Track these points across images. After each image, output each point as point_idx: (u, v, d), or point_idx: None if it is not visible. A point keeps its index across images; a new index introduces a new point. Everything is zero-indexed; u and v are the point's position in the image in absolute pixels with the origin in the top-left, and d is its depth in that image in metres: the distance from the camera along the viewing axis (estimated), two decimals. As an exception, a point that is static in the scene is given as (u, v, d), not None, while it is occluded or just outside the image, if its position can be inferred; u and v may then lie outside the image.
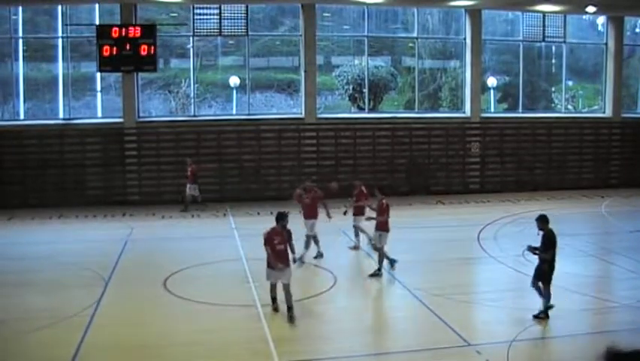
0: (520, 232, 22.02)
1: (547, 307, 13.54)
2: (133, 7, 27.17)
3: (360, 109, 30.78)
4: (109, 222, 24.09)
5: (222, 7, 27.78)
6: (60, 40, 28.12)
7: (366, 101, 30.40)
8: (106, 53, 26.29)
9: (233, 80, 29.43)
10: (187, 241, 20.93)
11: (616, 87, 31.93)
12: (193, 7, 27.64)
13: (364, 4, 28.25)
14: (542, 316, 13.57)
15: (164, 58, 29.96)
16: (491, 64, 32.47)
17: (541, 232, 13.78)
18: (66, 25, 27.56)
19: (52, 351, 12.31)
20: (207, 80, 30.36)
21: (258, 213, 24.53)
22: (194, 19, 27.87)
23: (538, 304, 14.67)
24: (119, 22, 26.89)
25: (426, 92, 31.92)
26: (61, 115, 28.28)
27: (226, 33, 28.33)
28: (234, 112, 29.76)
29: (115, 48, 26.32)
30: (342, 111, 31.34)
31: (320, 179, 27.95)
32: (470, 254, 19.46)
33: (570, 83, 34.01)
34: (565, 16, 31.01)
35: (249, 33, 28.34)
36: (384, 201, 16.99)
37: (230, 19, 28.11)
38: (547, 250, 13.51)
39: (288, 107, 30.58)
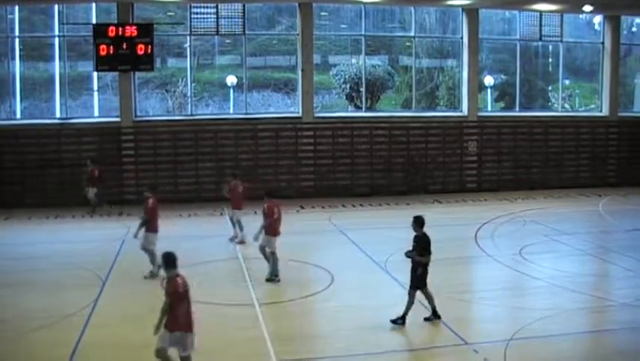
0: (517, 231, 22.08)
1: (434, 311, 13.44)
2: (130, 6, 27.14)
3: (358, 108, 30.79)
4: (106, 222, 24.03)
5: (219, 6, 27.77)
6: (57, 40, 28.09)
7: (364, 100, 30.36)
8: (103, 52, 26.27)
9: (231, 79, 29.45)
10: (184, 240, 20.76)
11: (613, 86, 31.95)
12: (190, 6, 27.61)
13: (361, 3, 28.27)
14: (433, 318, 13.39)
15: (161, 57, 29.97)
16: (488, 63, 32.52)
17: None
18: (63, 24, 27.54)
19: (51, 351, 12.31)
20: (204, 79, 30.38)
21: (255, 213, 24.41)
22: (191, 18, 27.84)
23: (534, 302, 14.73)
24: (115, 21, 26.87)
25: (423, 91, 31.94)
26: (57, 114, 28.23)
27: (223, 32, 28.31)
28: (231, 111, 29.74)
29: (112, 47, 26.30)
30: (339, 110, 31.37)
31: (317, 178, 28.15)
32: (467, 253, 19.50)
33: (567, 82, 34.02)
34: (562, 16, 31.03)
35: (246, 32, 28.33)
36: (266, 205, 16.69)
37: (228, 18, 28.09)
38: (423, 253, 13.22)
39: (285, 107, 30.60)
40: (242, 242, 20.13)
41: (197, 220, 24.41)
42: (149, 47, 26.58)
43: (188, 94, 28.96)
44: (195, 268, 17.67)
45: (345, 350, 12.20)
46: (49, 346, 12.57)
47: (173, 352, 10.48)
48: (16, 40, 28.18)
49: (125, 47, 26.35)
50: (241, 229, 20.40)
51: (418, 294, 13.34)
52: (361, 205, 26.51)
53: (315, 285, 16.26)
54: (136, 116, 27.83)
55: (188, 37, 28.41)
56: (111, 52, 26.31)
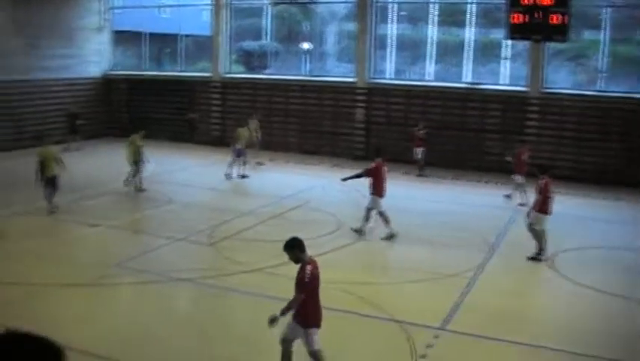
0: None
1: None
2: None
3: None
4: (500, 190, 23.89)
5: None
6: (471, 7, 28.67)
7: None
8: (516, 21, 26.01)
9: (647, 57, 27.53)
10: (584, 220, 20.06)
11: None
12: (609, -27, 26.17)
13: None
14: None
15: (576, 28, 28.90)
16: None
17: None
18: (480, -9, 28.02)
19: (430, 303, 12.81)
20: (621, 55, 28.69)
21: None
22: (611, -14, 26.42)
23: None
24: (534, -11, 26.49)
25: None
26: (465, 79, 28.91)
27: (645, 4, 26.44)
28: (646, 89, 27.77)
29: (525, 16, 25.96)
30: None
31: None
32: None
33: None
34: None
35: (672, 4, 26.14)
36: (543, 181, 15.89)
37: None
38: None
39: None
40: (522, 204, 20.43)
41: (607, 204, 22.94)
42: (565, 16, 25.75)
43: (601, 69, 27.66)
44: (590, 251, 16.98)
45: None
46: (429, 299, 13.14)
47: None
48: (435, 5, 29.33)
49: (538, 16, 25.85)
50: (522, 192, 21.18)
51: None
52: None
53: None
54: (543, 87, 27.31)
55: (605, 9, 27.09)
56: (524, 20, 26.00)
